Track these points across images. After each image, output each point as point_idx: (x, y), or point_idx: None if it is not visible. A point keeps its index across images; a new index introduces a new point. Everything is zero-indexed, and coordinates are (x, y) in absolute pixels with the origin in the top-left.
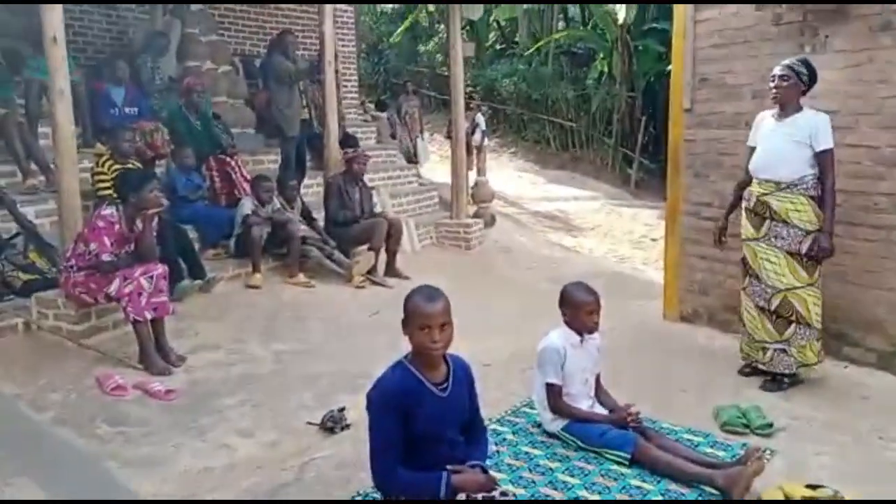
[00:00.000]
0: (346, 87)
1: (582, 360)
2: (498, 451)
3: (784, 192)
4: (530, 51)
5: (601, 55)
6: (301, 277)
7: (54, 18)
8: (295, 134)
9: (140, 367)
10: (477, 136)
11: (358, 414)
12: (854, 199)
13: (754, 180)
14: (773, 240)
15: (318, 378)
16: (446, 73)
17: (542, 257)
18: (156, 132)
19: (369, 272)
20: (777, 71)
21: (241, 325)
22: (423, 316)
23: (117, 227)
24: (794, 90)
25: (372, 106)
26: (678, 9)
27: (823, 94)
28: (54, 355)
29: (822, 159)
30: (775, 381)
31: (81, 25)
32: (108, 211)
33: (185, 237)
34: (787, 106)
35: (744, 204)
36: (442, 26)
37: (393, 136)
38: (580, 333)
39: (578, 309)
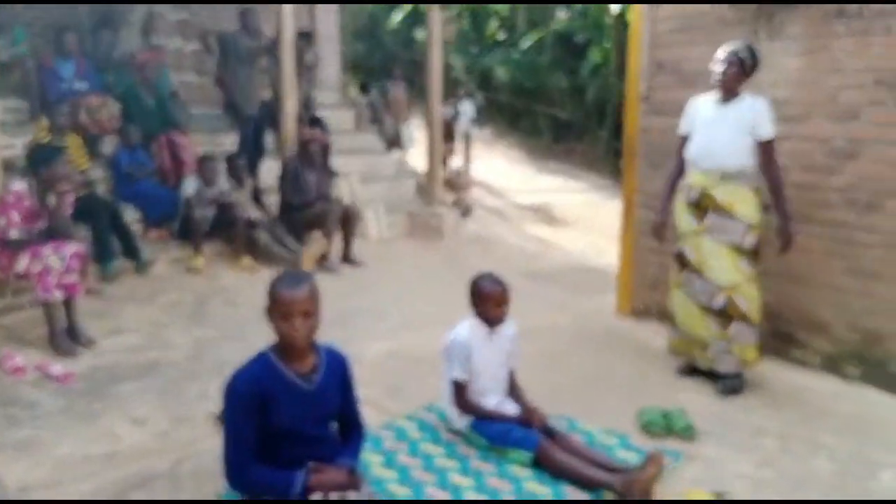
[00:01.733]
0: (327, 69)
1: (492, 354)
2: (396, 449)
3: (729, 183)
4: (527, 40)
5: (597, 46)
6: (246, 262)
7: None
8: (252, 113)
9: (49, 348)
10: (462, 124)
11: None
12: (804, 194)
13: (693, 171)
14: (716, 233)
15: (229, 366)
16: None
17: (518, 249)
18: (102, 108)
19: (322, 258)
20: (722, 55)
21: (169, 309)
22: (285, 302)
23: (27, 202)
24: (738, 77)
25: (355, 90)
26: None
27: (777, 83)
28: None
29: (767, 147)
30: (728, 382)
31: None
32: (17, 185)
33: (119, 216)
34: (729, 92)
35: (681, 197)
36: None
37: (375, 121)
38: (490, 325)
39: (486, 300)
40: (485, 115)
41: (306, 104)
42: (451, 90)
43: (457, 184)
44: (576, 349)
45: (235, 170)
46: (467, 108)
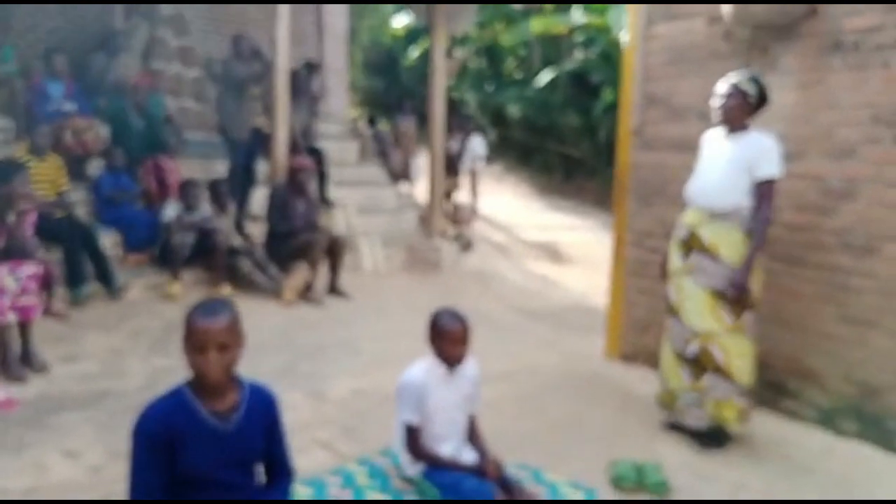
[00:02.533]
0: (334, 100)
1: (449, 397)
2: (339, 496)
3: (718, 224)
4: (541, 78)
5: (610, 86)
6: (226, 290)
7: None
8: (242, 139)
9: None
10: (468, 160)
11: None
12: (798, 235)
13: (688, 208)
14: (696, 275)
15: None
16: (454, 97)
17: (518, 286)
18: (88, 130)
19: (306, 289)
20: (721, 89)
21: (133, 336)
22: (199, 333)
23: None
24: (741, 110)
25: (363, 122)
26: (632, 22)
27: (771, 118)
28: None
29: (762, 188)
30: (704, 438)
31: (33, 19)
32: None
33: (94, 239)
34: (731, 126)
35: (674, 233)
36: (455, 49)
37: (380, 154)
38: (448, 365)
39: (443, 338)
40: (495, 151)
41: (305, 133)
42: (462, 125)
43: (457, 218)
44: (555, 393)
45: (218, 196)
46: (475, 144)
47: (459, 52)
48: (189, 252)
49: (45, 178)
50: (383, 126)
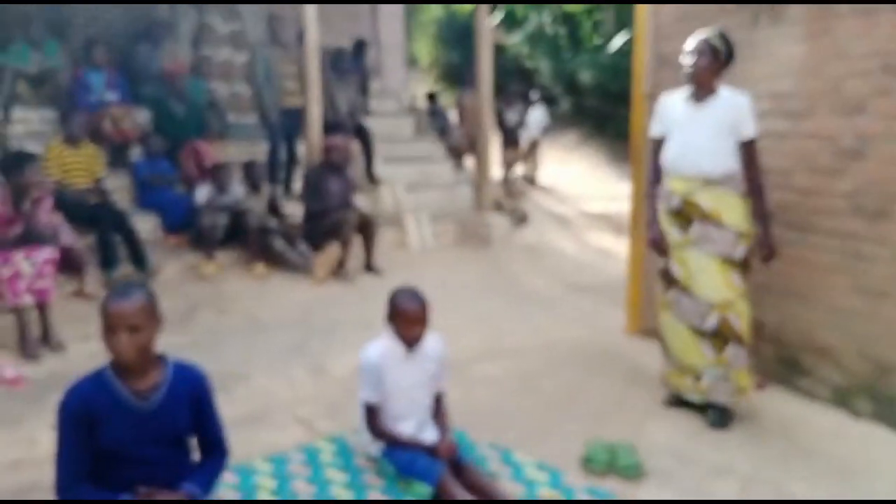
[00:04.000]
0: (391, 77)
1: (408, 376)
2: (296, 474)
3: (714, 190)
4: (613, 42)
5: None
6: (259, 269)
7: None
8: (274, 120)
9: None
10: (534, 129)
11: None
12: (809, 200)
13: (673, 177)
14: (701, 244)
15: None
16: (528, 66)
17: (571, 259)
18: (126, 117)
19: (338, 266)
20: (691, 45)
21: None
22: (110, 316)
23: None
24: (712, 68)
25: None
26: None
27: (777, 74)
28: None
29: (749, 148)
30: (721, 413)
31: (78, 12)
32: None
33: (126, 223)
34: (703, 87)
35: (661, 206)
36: (533, 16)
37: (441, 129)
38: (405, 345)
39: (400, 317)
40: (568, 121)
41: (352, 112)
42: (523, 95)
43: (512, 191)
44: (562, 368)
45: (252, 176)
46: (537, 115)
47: (535, 18)
48: (223, 233)
49: (80, 166)
50: (447, 100)
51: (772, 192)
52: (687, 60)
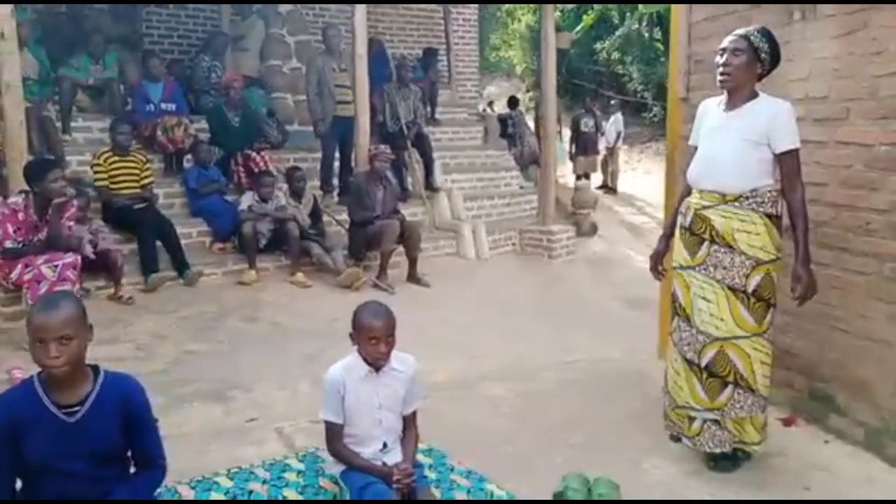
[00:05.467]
0: (464, 85)
1: (372, 396)
2: (251, 492)
3: (731, 207)
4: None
5: None
6: (299, 277)
7: (2, 14)
8: (324, 129)
9: None
10: (611, 136)
11: (177, 425)
12: (844, 217)
13: (693, 191)
14: (711, 269)
15: (181, 385)
16: (622, 72)
17: (638, 272)
18: (177, 127)
19: (379, 275)
20: (728, 43)
21: (182, 321)
22: (37, 327)
23: (21, 214)
24: (749, 71)
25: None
26: None
27: (810, 76)
28: None
29: (786, 163)
30: (721, 462)
31: (149, 25)
32: (13, 199)
33: (169, 229)
34: (737, 92)
35: (679, 220)
36: (627, 20)
37: (506, 136)
38: (368, 364)
39: (361, 334)
40: (659, 128)
41: (412, 121)
42: (600, 103)
43: (578, 200)
44: (575, 392)
45: (295, 184)
46: (615, 122)
47: (627, 22)
48: (266, 240)
49: (127, 174)
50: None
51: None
52: (720, 60)
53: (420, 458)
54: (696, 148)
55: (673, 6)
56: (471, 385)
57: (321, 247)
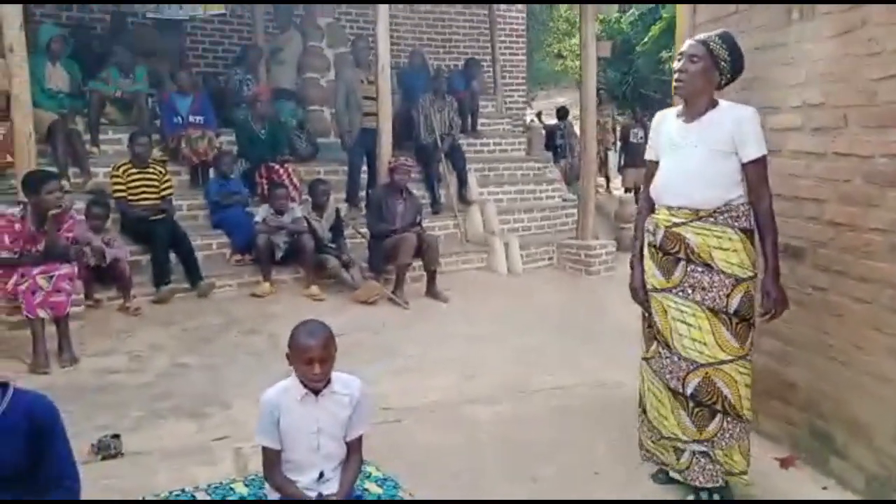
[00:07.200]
0: (510, 96)
1: (309, 420)
2: None
3: (705, 224)
4: None
5: None
6: (313, 290)
7: (12, 29)
8: (350, 141)
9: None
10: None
11: (144, 441)
12: (844, 237)
13: (659, 207)
14: (689, 291)
15: (162, 399)
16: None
17: None
18: (201, 139)
19: (395, 290)
20: (685, 48)
21: (183, 334)
22: None
23: (17, 225)
24: (706, 78)
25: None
26: None
27: (807, 81)
28: None
29: (754, 172)
30: (708, 495)
31: (193, 40)
32: (10, 210)
33: (184, 240)
34: (695, 101)
35: (647, 239)
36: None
37: (553, 148)
38: (305, 386)
39: (295, 355)
40: None
41: (448, 133)
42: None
43: (623, 215)
44: (562, 419)
45: (317, 197)
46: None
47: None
48: (283, 253)
49: (146, 185)
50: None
51: (803, 224)
52: (676, 65)
53: (373, 487)
54: (654, 162)
55: (677, 8)
56: (456, 406)
57: (338, 260)
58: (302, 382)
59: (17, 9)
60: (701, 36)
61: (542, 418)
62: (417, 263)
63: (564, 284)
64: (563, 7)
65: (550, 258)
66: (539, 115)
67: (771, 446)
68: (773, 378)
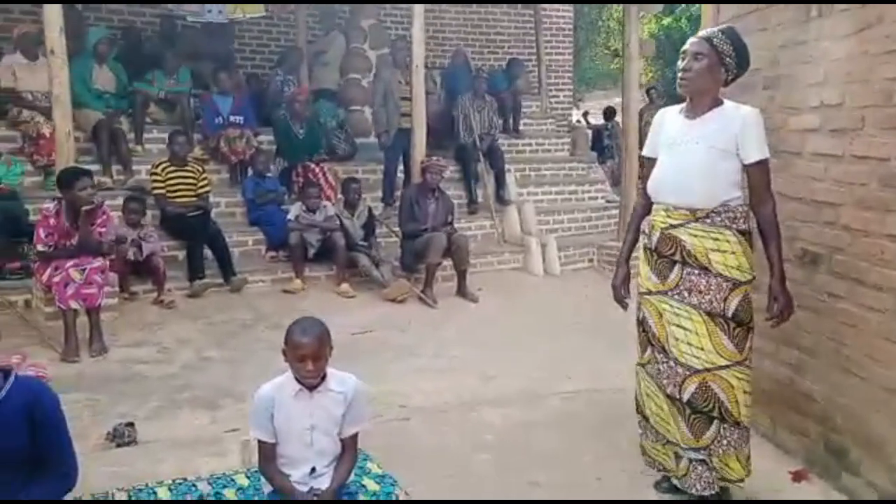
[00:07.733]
0: (556, 96)
1: (303, 417)
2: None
3: (702, 225)
4: None
5: None
6: (344, 287)
7: (53, 33)
8: (387, 141)
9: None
10: None
11: (158, 430)
12: (859, 243)
13: (656, 207)
14: (685, 294)
15: (182, 391)
16: None
17: None
18: (239, 139)
19: (425, 289)
20: (689, 46)
21: (213, 327)
22: None
23: (52, 220)
24: (711, 76)
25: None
26: None
27: (825, 81)
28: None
29: (756, 175)
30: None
31: (241, 42)
32: (47, 205)
33: (219, 237)
34: (699, 99)
35: (642, 241)
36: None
37: (599, 149)
38: (299, 383)
39: (289, 351)
40: None
41: (486, 133)
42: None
43: None
44: (571, 425)
45: (350, 196)
46: None
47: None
48: (316, 250)
49: (184, 183)
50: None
51: (820, 229)
52: (681, 64)
53: (370, 484)
54: (650, 159)
55: (702, 7)
56: (467, 408)
57: (369, 258)
58: (296, 379)
59: (57, 13)
60: (704, 32)
61: (550, 423)
62: (449, 263)
63: (600, 286)
64: (614, 7)
65: (590, 260)
66: (585, 115)
67: (786, 459)
68: (790, 388)
